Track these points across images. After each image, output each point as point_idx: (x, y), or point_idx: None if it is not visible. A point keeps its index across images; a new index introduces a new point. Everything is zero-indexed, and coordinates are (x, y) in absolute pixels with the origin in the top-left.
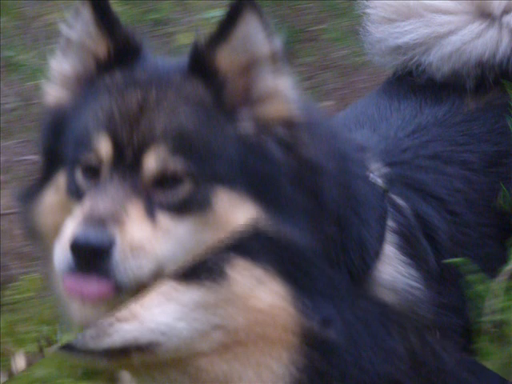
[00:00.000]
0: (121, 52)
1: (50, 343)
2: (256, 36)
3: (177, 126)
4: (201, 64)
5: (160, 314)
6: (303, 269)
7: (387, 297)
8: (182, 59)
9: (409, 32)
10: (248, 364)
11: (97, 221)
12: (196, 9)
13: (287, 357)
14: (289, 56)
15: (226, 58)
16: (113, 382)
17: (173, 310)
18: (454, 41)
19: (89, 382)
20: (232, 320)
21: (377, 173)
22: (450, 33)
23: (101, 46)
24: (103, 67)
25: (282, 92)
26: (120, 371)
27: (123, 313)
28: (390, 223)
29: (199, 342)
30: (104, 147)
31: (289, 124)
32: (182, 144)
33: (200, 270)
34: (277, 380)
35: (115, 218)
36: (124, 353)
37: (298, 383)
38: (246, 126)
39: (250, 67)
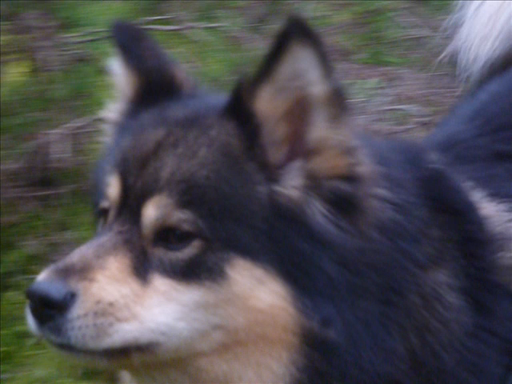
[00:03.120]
0: (150, 89)
1: None
2: (308, 73)
3: (188, 174)
4: (237, 106)
5: (160, 314)
6: (303, 269)
7: None
8: (227, 98)
9: None
10: (248, 364)
11: (63, 271)
12: None
13: (287, 357)
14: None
15: (266, 100)
16: (113, 382)
17: (173, 310)
18: None
19: (89, 382)
20: (232, 320)
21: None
22: None
23: (128, 86)
24: (133, 107)
25: (339, 143)
26: (120, 371)
27: (123, 313)
28: None
29: (199, 342)
30: (112, 189)
31: (348, 184)
32: (192, 195)
33: (200, 270)
34: (277, 380)
35: (84, 271)
36: (124, 353)
37: (298, 383)
38: (285, 185)
39: (298, 112)
